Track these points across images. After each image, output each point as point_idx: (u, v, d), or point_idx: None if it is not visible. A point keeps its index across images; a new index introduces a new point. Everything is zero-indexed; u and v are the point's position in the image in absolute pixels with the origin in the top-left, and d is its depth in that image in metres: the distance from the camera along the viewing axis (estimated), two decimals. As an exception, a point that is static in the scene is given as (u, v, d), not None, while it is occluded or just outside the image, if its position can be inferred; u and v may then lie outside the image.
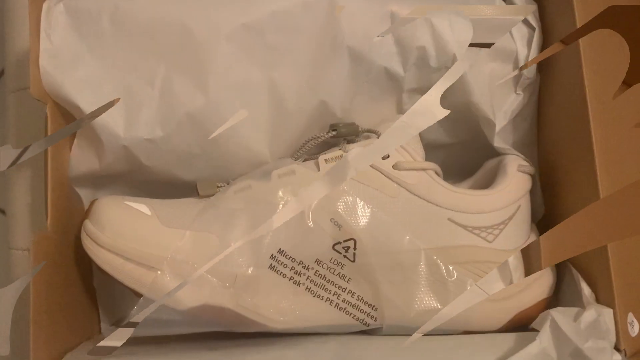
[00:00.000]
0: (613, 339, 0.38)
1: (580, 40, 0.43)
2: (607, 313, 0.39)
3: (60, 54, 0.44)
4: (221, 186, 0.45)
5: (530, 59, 0.47)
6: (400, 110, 0.49)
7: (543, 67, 0.48)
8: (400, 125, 0.45)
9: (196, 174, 0.48)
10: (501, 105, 0.48)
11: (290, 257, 0.43)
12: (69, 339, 0.47)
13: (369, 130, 0.46)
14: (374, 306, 0.44)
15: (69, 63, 0.44)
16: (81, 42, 0.45)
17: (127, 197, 0.45)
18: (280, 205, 0.43)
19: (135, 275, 0.42)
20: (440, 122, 0.49)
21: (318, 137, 0.46)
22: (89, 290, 0.51)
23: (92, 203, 0.45)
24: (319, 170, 0.44)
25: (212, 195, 0.45)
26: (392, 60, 0.46)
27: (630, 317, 0.40)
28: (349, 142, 0.46)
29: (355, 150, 0.44)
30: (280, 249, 0.43)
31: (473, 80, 0.46)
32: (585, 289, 0.42)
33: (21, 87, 0.52)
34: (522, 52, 0.47)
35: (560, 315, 0.39)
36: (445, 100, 0.48)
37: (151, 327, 0.44)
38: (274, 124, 0.47)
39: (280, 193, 0.43)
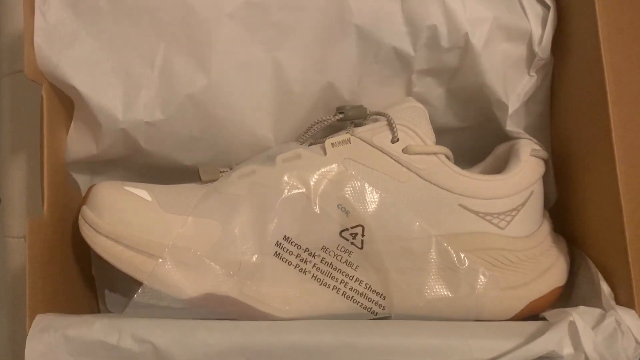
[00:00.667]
0: (632, 344, 0.37)
1: (599, 19, 0.41)
2: (628, 317, 0.37)
3: (56, 33, 0.43)
4: (224, 171, 0.43)
5: (544, 38, 0.45)
6: (410, 92, 0.47)
7: (557, 47, 0.46)
8: (410, 107, 0.44)
9: (198, 159, 0.46)
10: (514, 87, 0.46)
11: (295, 244, 0.41)
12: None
13: (377, 113, 0.44)
14: (382, 294, 0.42)
15: (64, 42, 0.43)
16: (77, 21, 0.43)
17: (126, 182, 0.43)
18: (286, 191, 0.41)
19: (135, 263, 0.40)
20: (450, 105, 0.49)
21: (324, 120, 0.44)
22: (87, 278, 0.49)
23: (90, 188, 0.43)
24: (325, 154, 0.42)
25: (215, 180, 0.43)
26: (401, 39, 0.44)
27: None
28: (357, 125, 0.44)
29: (363, 134, 0.43)
30: (285, 235, 0.41)
31: (486, 60, 0.44)
32: (605, 289, 0.40)
33: (16, 70, 0.51)
34: (536, 32, 0.45)
35: (580, 319, 0.37)
36: (456, 82, 0.47)
37: (152, 315, 0.43)
38: (279, 106, 0.45)
39: (285, 178, 0.41)
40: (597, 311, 0.38)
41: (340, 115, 0.44)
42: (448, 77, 0.47)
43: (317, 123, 0.44)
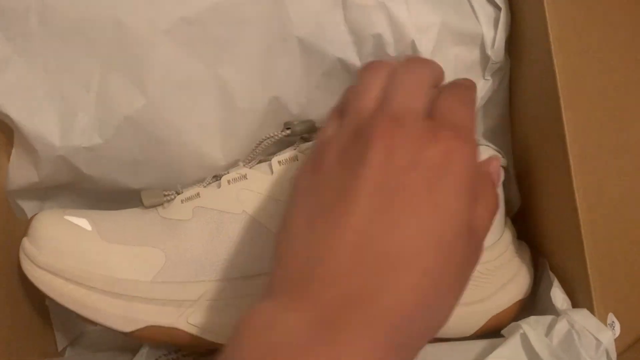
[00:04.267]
0: (592, 342, 0.35)
1: (548, 19, 0.39)
2: (582, 317, 0.36)
3: (-14, 59, 0.41)
4: (168, 194, 0.42)
5: (497, 41, 0.44)
6: (361, 103, 0.45)
7: (512, 49, 0.45)
8: None
9: (143, 181, 0.45)
10: (469, 92, 0.45)
11: (244, 268, 0.39)
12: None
13: None
14: None
15: (-4, 68, 0.41)
16: (8, 44, 0.41)
17: (68, 210, 0.42)
18: (232, 214, 0.40)
19: (76, 297, 0.39)
20: (405, 113, 0.47)
21: (271, 137, 0.42)
22: (41, 310, 0.48)
23: (30, 219, 0.42)
24: (272, 173, 0.41)
25: (159, 205, 0.41)
26: (346, 50, 0.42)
27: (611, 317, 0.37)
28: (306, 140, 0.43)
29: (309, 150, 0.41)
30: (233, 260, 0.39)
31: (436, 67, 0.43)
32: (558, 295, 0.39)
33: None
34: (488, 35, 0.43)
35: (531, 328, 0.36)
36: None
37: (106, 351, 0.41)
38: (225, 123, 0.44)
39: (230, 200, 0.40)
40: (548, 318, 0.37)
41: (287, 131, 0.42)
42: (399, 85, 0.45)
43: (264, 140, 0.42)
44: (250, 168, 0.41)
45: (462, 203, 0.27)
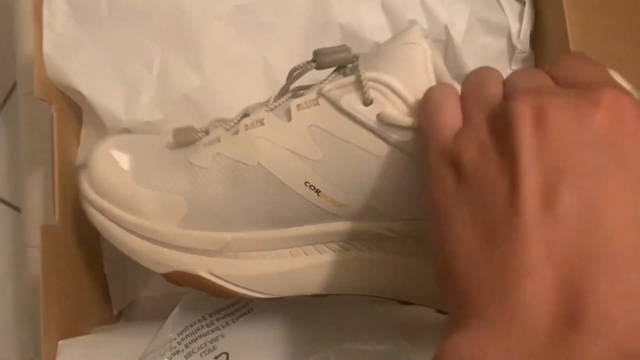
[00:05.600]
0: None
1: (566, 14, 0.42)
2: None
3: (62, 41, 0.45)
4: (200, 132, 0.38)
5: (522, 33, 0.47)
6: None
7: (536, 42, 0.48)
8: (402, 47, 0.33)
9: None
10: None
11: (264, 222, 0.37)
12: (80, 326, 0.47)
13: (356, 56, 0.35)
14: (368, 270, 0.39)
15: (70, 49, 0.45)
16: (81, 28, 0.45)
17: (120, 139, 0.40)
18: (248, 165, 0.35)
19: (117, 235, 0.38)
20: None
21: (298, 67, 0.35)
22: (100, 277, 0.51)
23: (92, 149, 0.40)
24: (290, 120, 0.34)
25: (189, 144, 0.38)
26: (383, 35, 0.46)
27: None
28: (345, 75, 0.35)
29: (331, 93, 0.33)
30: (252, 213, 0.36)
31: (467, 53, 0.46)
32: None
33: (30, 91, 0.54)
34: (514, 26, 0.47)
35: None
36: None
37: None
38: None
39: (246, 149, 0.35)
40: None
41: (313, 64, 0.34)
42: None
43: (295, 71, 0.36)
44: (269, 111, 0.36)
45: None
